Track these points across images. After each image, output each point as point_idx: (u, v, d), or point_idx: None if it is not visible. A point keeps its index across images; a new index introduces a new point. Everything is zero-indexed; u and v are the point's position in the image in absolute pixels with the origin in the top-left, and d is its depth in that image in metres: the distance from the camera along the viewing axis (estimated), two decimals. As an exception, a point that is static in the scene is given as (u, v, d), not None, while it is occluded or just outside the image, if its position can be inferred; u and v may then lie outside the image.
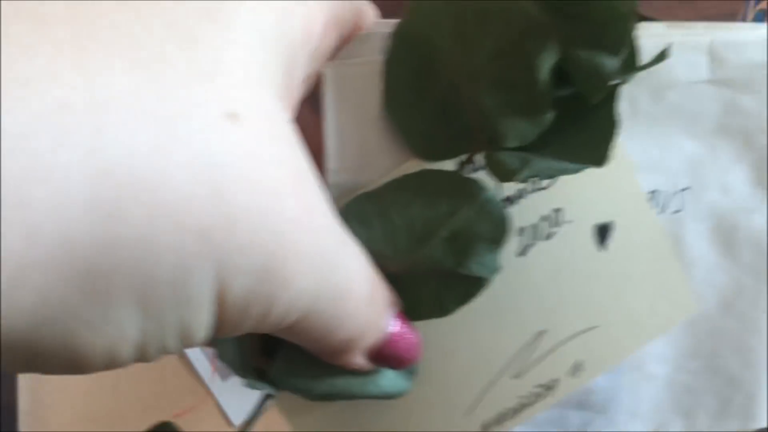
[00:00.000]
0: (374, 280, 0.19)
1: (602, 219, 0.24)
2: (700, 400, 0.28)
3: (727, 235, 0.26)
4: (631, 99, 0.24)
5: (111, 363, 0.14)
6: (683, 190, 0.25)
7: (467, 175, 0.20)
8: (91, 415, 0.30)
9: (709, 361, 0.27)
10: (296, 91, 0.18)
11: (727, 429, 0.28)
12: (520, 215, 0.23)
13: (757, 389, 0.28)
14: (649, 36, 0.23)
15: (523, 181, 0.20)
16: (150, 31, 0.13)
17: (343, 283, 0.17)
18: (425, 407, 0.24)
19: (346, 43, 0.20)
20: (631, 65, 0.19)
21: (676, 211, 0.25)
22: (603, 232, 0.24)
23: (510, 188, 0.22)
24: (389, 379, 0.22)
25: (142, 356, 0.14)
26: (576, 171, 0.19)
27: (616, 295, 0.24)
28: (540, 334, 0.24)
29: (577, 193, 0.23)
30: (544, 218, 0.23)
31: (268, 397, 0.22)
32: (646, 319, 0.25)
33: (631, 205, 0.24)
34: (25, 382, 0.29)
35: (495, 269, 0.20)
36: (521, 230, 0.23)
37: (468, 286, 0.21)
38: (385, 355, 0.20)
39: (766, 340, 0.27)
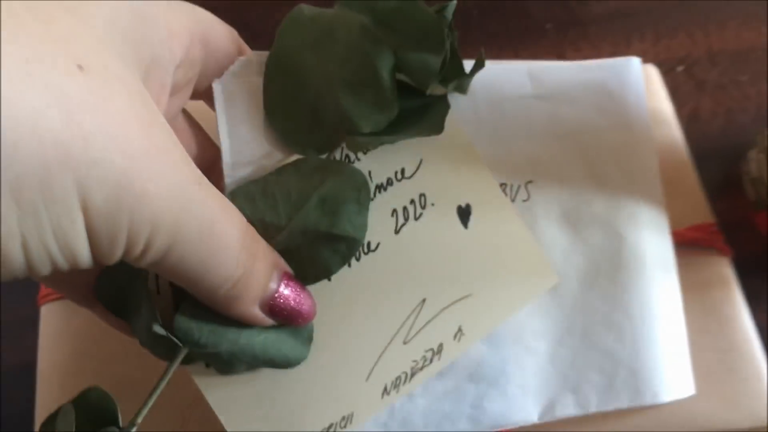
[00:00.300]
0: (247, 230, 0.22)
1: (461, 202, 0.28)
2: (586, 376, 0.31)
3: (573, 221, 0.31)
4: (476, 109, 0.30)
5: (5, 259, 0.16)
6: (528, 183, 0.31)
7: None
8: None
9: (583, 337, 0.31)
10: (164, 87, 0.22)
11: (618, 405, 0.31)
12: (392, 199, 0.27)
13: (639, 365, 0.31)
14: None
15: (374, 147, 0.25)
16: (11, 11, 0.16)
17: (204, 217, 0.20)
18: (329, 376, 0.27)
19: (225, 65, 0.26)
20: (458, 71, 0.26)
21: (525, 200, 0.31)
22: (463, 213, 0.28)
23: (380, 177, 0.27)
24: (289, 345, 0.26)
25: (29, 257, 0.17)
26: (417, 136, 0.25)
27: (482, 267, 0.28)
28: (422, 302, 0.28)
29: (437, 181, 0.28)
30: (412, 201, 0.28)
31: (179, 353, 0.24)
32: (513, 289, 0.29)
33: (484, 190, 0.29)
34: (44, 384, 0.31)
35: (364, 228, 0.25)
36: (394, 211, 0.27)
37: (345, 246, 0.25)
38: (279, 310, 0.24)
39: (632, 317, 0.31)
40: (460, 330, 0.28)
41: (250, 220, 0.23)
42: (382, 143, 0.25)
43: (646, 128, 0.33)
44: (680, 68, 0.46)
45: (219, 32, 0.25)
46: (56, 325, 0.33)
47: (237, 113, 0.26)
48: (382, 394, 0.27)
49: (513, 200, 0.30)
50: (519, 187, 0.31)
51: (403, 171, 0.27)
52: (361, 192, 0.25)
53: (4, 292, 0.40)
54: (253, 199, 0.24)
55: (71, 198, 0.16)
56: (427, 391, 0.29)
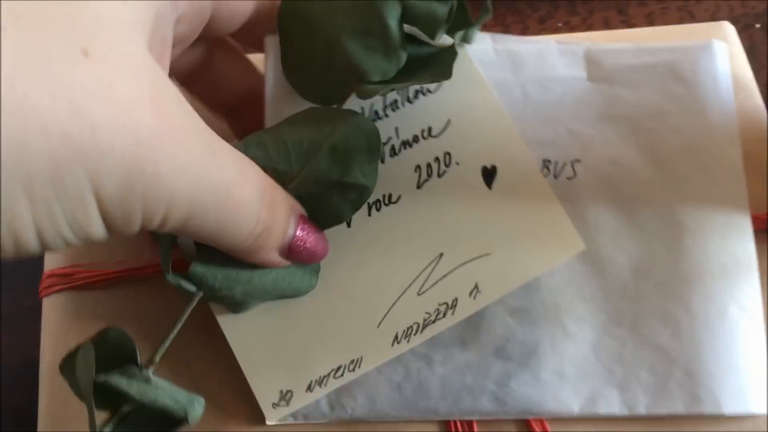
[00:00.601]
0: (265, 184, 0.23)
1: (486, 163, 0.29)
2: (635, 373, 0.28)
3: (625, 204, 0.29)
4: (522, 87, 0.30)
5: (20, 246, 0.17)
6: (575, 161, 0.30)
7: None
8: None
9: (633, 329, 0.28)
10: (165, 42, 0.22)
11: (672, 410, 0.28)
12: (416, 155, 0.28)
13: (698, 368, 0.28)
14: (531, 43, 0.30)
15: (383, 94, 0.26)
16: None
17: (221, 185, 0.20)
18: (342, 318, 0.28)
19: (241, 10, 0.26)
20: (465, 21, 0.27)
21: (570, 178, 0.29)
22: (488, 174, 0.28)
23: (406, 134, 0.28)
24: (298, 277, 0.27)
25: (44, 242, 0.17)
26: (426, 82, 0.26)
27: (504, 228, 0.28)
28: (440, 255, 0.28)
29: (464, 141, 0.29)
30: (436, 159, 0.28)
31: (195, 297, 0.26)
32: (534, 252, 0.28)
33: (512, 153, 0.29)
34: (46, 385, 0.31)
35: (374, 176, 0.26)
36: (417, 167, 0.28)
37: (356, 194, 0.26)
38: (297, 252, 0.25)
39: (693, 313, 0.28)
40: (476, 287, 0.28)
41: (264, 168, 0.24)
42: (392, 89, 0.26)
43: (728, 116, 0.30)
44: (758, 25, 0.40)
45: None
46: (59, 320, 0.31)
47: (277, 67, 0.29)
48: (393, 342, 0.27)
49: (557, 177, 0.29)
50: (564, 164, 0.30)
51: (430, 130, 0.28)
52: (371, 141, 0.25)
53: (4, 281, 0.39)
54: (265, 147, 0.25)
55: (84, 189, 0.17)
56: (447, 359, 0.28)
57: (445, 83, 0.29)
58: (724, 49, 0.31)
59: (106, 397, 0.23)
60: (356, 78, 0.26)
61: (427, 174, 0.28)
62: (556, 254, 0.28)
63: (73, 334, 0.30)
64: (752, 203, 0.29)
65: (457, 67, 0.27)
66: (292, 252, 0.25)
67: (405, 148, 0.28)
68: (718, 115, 0.30)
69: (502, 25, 0.36)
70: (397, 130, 0.28)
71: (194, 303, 0.26)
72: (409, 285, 0.28)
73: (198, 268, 0.25)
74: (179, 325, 0.26)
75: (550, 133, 0.30)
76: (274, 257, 0.25)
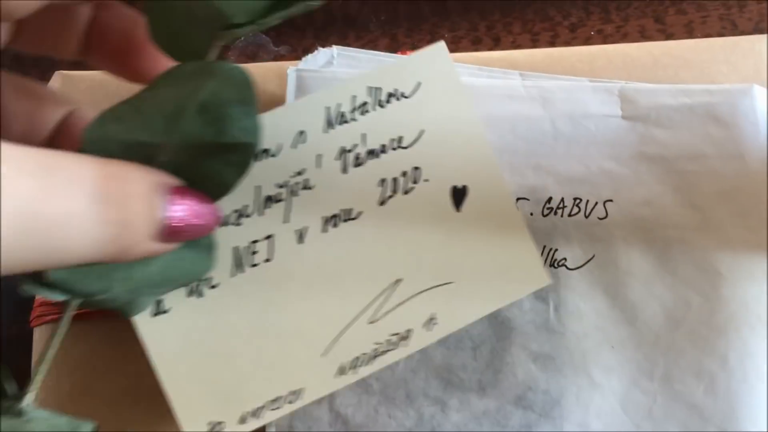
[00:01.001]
0: (99, 177, 0.19)
1: (457, 182, 0.26)
2: (664, 430, 0.26)
3: (659, 248, 0.28)
4: (553, 121, 0.29)
5: None
6: (607, 201, 0.28)
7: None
8: None
9: (665, 383, 0.27)
10: None
11: (705, 474, 0.26)
12: (382, 167, 0.26)
13: (732, 427, 0.26)
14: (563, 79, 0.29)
15: (249, 35, 0.22)
16: None
17: (16, 206, 0.16)
18: (283, 345, 0.25)
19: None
20: None
21: (602, 218, 0.28)
22: (458, 195, 0.26)
23: (374, 143, 0.26)
24: (189, 261, 0.23)
25: None
26: (293, 14, 0.22)
27: (469, 255, 0.26)
28: (397, 282, 0.26)
29: (435, 155, 0.26)
30: (404, 174, 0.26)
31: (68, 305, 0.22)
32: (498, 283, 0.26)
33: (486, 175, 0.26)
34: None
35: (255, 130, 0.21)
36: (382, 181, 0.26)
37: (238, 155, 0.22)
38: (179, 232, 0.21)
39: (730, 369, 0.26)
40: (433, 318, 0.26)
41: (126, 145, 0.21)
42: (259, 29, 0.22)
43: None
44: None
45: None
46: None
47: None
48: (338, 373, 0.25)
49: (587, 216, 0.28)
50: (596, 203, 0.28)
51: (400, 140, 0.26)
52: (244, 90, 0.21)
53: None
54: (122, 119, 0.21)
55: None
56: (463, 405, 0.26)
57: (423, 88, 0.26)
58: (763, 94, 0.30)
59: None
60: (221, 25, 0.22)
61: (393, 190, 0.26)
62: (520, 287, 0.26)
63: (66, 367, 0.29)
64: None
65: (437, 72, 0.25)
66: (172, 234, 0.21)
67: (370, 157, 0.26)
68: (758, 161, 0.29)
69: (530, 33, 0.34)
70: (364, 136, 0.26)
71: (71, 312, 0.22)
72: (361, 312, 0.25)
73: (59, 274, 0.21)
74: (58, 340, 0.22)
75: (582, 170, 0.29)
76: (154, 247, 0.21)
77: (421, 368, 0.27)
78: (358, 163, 0.26)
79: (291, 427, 0.27)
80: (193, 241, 0.22)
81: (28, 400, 0.22)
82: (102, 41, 0.25)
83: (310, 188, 0.26)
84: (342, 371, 0.25)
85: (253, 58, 0.34)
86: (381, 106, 0.26)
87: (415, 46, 0.34)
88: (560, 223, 0.28)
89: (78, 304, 0.23)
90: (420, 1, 0.35)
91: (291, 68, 0.29)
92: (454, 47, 0.34)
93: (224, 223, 0.25)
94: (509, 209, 0.26)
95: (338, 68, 0.30)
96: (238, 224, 0.25)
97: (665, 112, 0.29)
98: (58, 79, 0.31)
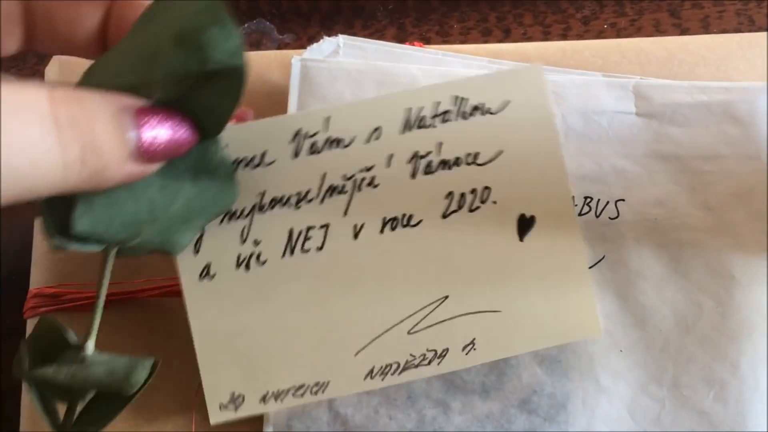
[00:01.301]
0: (53, 100, 0.18)
1: (526, 211, 0.26)
2: (672, 437, 0.26)
3: (672, 250, 0.27)
4: (564, 118, 0.28)
5: None
6: (618, 201, 0.27)
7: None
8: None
9: (674, 389, 0.26)
10: None
11: (713, 483, 0.25)
12: (452, 180, 0.25)
13: (743, 436, 0.25)
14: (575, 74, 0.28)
15: None
16: None
17: None
18: (320, 335, 0.25)
19: None
20: None
21: (613, 218, 0.27)
22: (524, 224, 0.25)
23: (449, 153, 0.25)
24: (213, 192, 0.23)
25: None
26: None
27: (523, 288, 0.25)
28: (444, 298, 0.25)
29: (509, 179, 0.26)
30: (473, 191, 0.25)
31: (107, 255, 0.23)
32: (547, 323, 0.25)
33: (558, 209, 0.25)
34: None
35: (239, 51, 0.20)
36: (449, 194, 0.25)
37: (229, 80, 0.21)
38: (155, 152, 0.21)
39: (741, 377, 0.26)
40: (473, 343, 0.25)
41: (116, 90, 0.20)
42: None
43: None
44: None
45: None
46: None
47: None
48: (366, 376, 0.25)
49: (598, 215, 0.27)
50: (608, 203, 0.27)
51: (476, 155, 0.25)
52: (216, 11, 0.20)
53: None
54: (107, 68, 0.21)
55: None
56: (466, 408, 0.26)
57: (511, 107, 0.25)
58: (777, 90, 0.29)
59: (61, 390, 0.22)
60: None
61: (459, 205, 0.25)
62: (569, 333, 0.25)
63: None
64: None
65: (528, 93, 0.25)
66: (149, 153, 0.21)
67: (442, 167, 0.25)
68: (775, 161, 0.28)
69: (542, 25, 0.33)
70: (440, 145, 0.25)
71: (111, 261, 0.23)
72: (402, 320, 0.25)
73: (82, 225, 0.21)
74: (105, 285, 0.23)
75: (593, 168, 0.28)
76: (131, 168, 0.20)
77: (423, 369, 0.26)
78: (428, 170, 0.25)
79: (289, 426, 0.26)
80: (208, 172, 0.23)
81: (90, 347, 0.22)
82: (117, 36, 0.24)
83: (375, 186, 0.25)
84: (371, 374, 0.25)
85: (257, 46, 0.33)
86: (464, 117, 0.25)
87: (423, 37, 0.33)
88: (570, 222, 0.27)
89: (115, 254, 0.23)
90: (429, -9, 0.34)
91: (295, 57, 0.28)
92: (463, 38, 0.33)
93: (284, 203, 0.25)
94: (575, 249, 0.25)
95: (344, 58, 0.29)
96: (297, 207, 0.25)
97: (681, 110, 0.28)
98: (56, 65, 0.30)
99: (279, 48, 0.33)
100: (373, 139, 0.25)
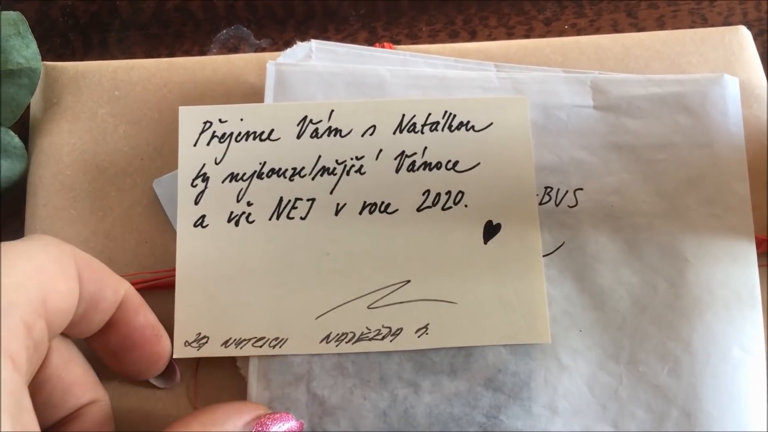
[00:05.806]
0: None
1: (494, 218, 0.28)
2: (630, 411, 0.27)
3: (627, 234, 0.28)
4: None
5: None
6: (577, 190, 0.29)
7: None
8: None
9: (630, 365, 0.27)
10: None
11: (669, 453, 0.27)
12: (431, 180, 0.28)
13: (697, 409, 0.27)
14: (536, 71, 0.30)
15: None
16: None
17: None
18: (288, 295, 0.28)
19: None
20: None
21: (572, 206, 0.29)
22: (490, 229, 0.28)
23: (431, 157, 0.28)
24: (6, 168, 0.30)
25: None
26: None
27: (480, 286, 0.28)
28: (406, 282, 0.28)
29: (482, 188, 0.28)
30: (448, 192, 0.28)
31: None
32: (499, 323, 0.27)
33: (524, 222, 0.28)
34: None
35: (36, 57, 0.30)
36: (426, 192, 0.28)
37: (27, 78, 0.30)
38: None
39: (693, 352, 0.27)
40: (426, 327, 0.27)
41: None
42: None
43: (738, 152, 0.29)
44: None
45: (59, 294, 0.22)
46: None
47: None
48: (323, 340, 0.27)
49: (558, 204, 0.29)
50: (567, 192, 0.29)
51: (456, 163, 0.28)
52: (18, 26, 0.29)
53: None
54: None
55: None
56: (435, 387, 0.27)
57: (493, 129, 0.29)
58: (735, 83, 0.30)
59: None
60: None
61: (433, 202, 0.28)
62: (519, 335, 0.27)
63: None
64: (757, 222, 0.29)
65: (511, 120, 0.28)
66: None
67: (424, 168, 0.28)
68: (727, 150, 0.29)
69: (506, 27, 0.35)
70: (425, 149, 0.28)
71: None
72: (364, 295, 0.27)
73: None
74: None
75: (553, 160, 0.29)
76: None
77: (395, 352, 0.28)
78: (411, 168, 0.28)
79: (271, 408, 0.28)
80: (7, 152, 0.30)
81: None
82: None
83: (362, 173, 0.28)
84: (326, 339, 0.27)
85: (235, 50, 0.35)
86: (450, 130, 0.29)
87: (393, 39, 0.35)
88: (531, 211, 0.29)
89: None
90: (400, -6, 0.36)
91: (270, 62, 0.30)
92: (431, 40, 0.35)
93: (279, 174, 0.28)
94: (534, 260, 0.28)
95: (317, 61, 0.31)
96: (291, 180, 0.28)
97: (636, 102, 0.30)
98: (42, 70, 0.31)
99: (256, 52, 0.35)
100: (368, 134, 0.29)
